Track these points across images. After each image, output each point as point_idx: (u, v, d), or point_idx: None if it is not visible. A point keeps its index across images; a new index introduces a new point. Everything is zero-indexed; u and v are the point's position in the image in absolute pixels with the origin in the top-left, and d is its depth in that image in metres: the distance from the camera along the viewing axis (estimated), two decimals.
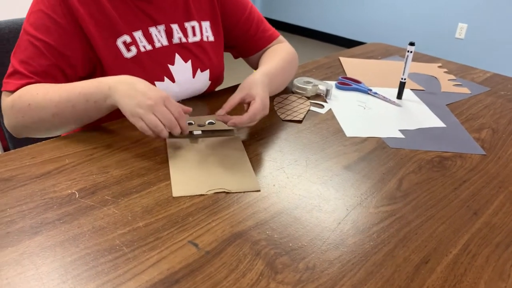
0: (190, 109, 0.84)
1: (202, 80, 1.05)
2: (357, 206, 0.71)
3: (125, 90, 0.78)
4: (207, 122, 0.92)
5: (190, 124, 0.90)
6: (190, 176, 0.76)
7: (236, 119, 0.83)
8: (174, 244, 0.60)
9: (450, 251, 0.62)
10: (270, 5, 5.23)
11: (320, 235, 0.64)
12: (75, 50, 0.88)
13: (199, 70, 1.03)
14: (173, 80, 0.98)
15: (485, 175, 0.82)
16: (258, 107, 0.85)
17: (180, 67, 0.99)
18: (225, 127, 0.90)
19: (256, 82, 0.89)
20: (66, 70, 0.88)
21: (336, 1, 4.62)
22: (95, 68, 0.92)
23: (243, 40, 1.12)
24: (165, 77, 0.97)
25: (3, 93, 0.87)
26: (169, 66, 0.97)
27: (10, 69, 0.86)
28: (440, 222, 0.68)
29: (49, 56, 0.85)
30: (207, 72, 1.05)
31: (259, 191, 0.73)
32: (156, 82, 0.95)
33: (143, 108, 0.75)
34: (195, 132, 0.88)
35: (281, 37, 1.17)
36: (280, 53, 1.08)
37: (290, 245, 0.61)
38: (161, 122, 0.76)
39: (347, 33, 4.67)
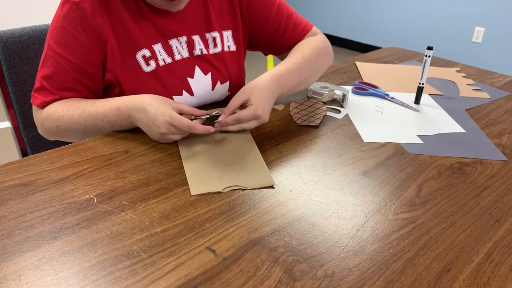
0: (201, 112, 0.88)
1: (221, 92, 1.05)
2: (375, 212, 0.70)
3: (141, 119, 0.83)
4: (214, 113, 0.91)
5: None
6: (205, 174, 0.76)
7: (221, 117, 0.88)
8: (192, 250, 0.60)
9: (473, 260, 0.61)
10: None
11: (338, 242, 0.63)
12: (97, 66, 0.90)
13: (219, 82, 1.02)
14: (191, 93, 0.98)
15: (507, 181, 0.80)
16: (247, 114, 0.86)
17: (200, 80, 0.99)
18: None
19: (259, 89, 0.88)
20: (89, 84, 0.92)
21: (351, 6, 4.61)
22: (113, 81, 0.93)
23: (274, 40, 1.09)
24: (183, 91, 0.97)
25: (33, 106, 0.93)
26: (188, 79, 0.97)
27: (37, 83, 0.91)
28: (461, 229, 0.67)
29: (72, 73, 0.89)
30: (227, 84, 1.04)
31: (273, 187, 0.74)
32: (174, 97, 0.96)
33: (157, 136, 0.84)
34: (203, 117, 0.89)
35: (314, 29, 1.12)
36: (302, 50, 1.03)
37: (308, 252, 0.61)
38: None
39: (363, 38, 4.64)
